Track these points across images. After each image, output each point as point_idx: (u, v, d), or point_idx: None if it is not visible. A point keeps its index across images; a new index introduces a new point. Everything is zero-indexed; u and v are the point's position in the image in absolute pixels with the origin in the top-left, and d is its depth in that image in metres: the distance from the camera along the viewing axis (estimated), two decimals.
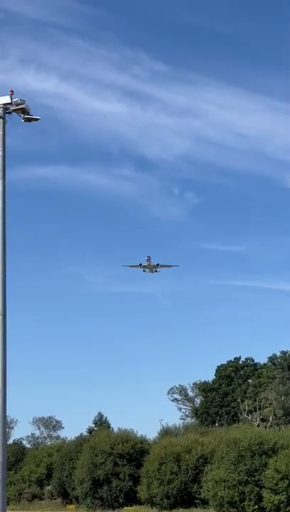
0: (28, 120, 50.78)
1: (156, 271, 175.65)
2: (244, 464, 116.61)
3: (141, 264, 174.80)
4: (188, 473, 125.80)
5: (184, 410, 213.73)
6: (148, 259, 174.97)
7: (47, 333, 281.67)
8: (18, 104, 50.51)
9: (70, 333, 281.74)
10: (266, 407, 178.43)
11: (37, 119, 50.70)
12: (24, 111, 50.44)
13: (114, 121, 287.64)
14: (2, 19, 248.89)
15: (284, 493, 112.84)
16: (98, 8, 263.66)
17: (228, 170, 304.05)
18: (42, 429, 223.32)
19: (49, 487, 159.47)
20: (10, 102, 50.61)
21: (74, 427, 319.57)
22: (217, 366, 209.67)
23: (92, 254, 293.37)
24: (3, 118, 50.44)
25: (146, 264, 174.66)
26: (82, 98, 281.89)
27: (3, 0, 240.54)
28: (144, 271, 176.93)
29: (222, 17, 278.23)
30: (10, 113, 50.92)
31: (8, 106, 50.60)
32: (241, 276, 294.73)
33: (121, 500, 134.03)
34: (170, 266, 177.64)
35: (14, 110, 50.49)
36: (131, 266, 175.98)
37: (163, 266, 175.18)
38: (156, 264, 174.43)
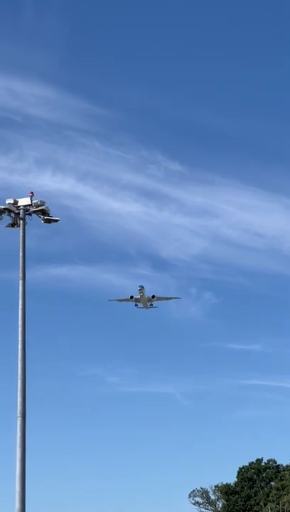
0: (48, 221, 51.28)
1: (151, 305, 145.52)
2: None
3: (132, 297, 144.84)
4: None
5: None
6: (141, 290, 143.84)
7: (65, 435, 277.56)
8: (38, 206, 51.11)
9: (88, 435, 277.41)
10: (289, 511, 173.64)
11: (56, 221, 51.14)
12: (44, 212, 51.03)
13: (131, 220, 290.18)
14: (20, 122, 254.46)
15: None
16: (114, 111, 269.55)
17: (245, 269, 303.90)
18: None
19: None
20: (30, 203, 51.20)
21: None
22: (239, 468, 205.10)
23: (111, 354, 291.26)
24: (24, 219, 50.97)
25: (138, 297, 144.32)
26: (98, 198, 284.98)
27: (20, 104, 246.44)
28: (136, 305, 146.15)
29: (238, 118, 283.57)
30: (30, 214, 51.44)
31: (28, 207, 51.19)
32: (261, 376, 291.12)
33: None
34: (169, 298, 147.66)
35: (34, 212, 51.04)
36: (120, 300, 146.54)
37: (160, 298, 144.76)
38: (151, 296, 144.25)
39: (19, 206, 51.05)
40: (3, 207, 51.61)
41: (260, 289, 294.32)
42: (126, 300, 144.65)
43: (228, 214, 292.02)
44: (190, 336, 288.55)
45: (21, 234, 50.96)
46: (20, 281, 49.59)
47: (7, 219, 52.38)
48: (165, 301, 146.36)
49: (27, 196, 51.56)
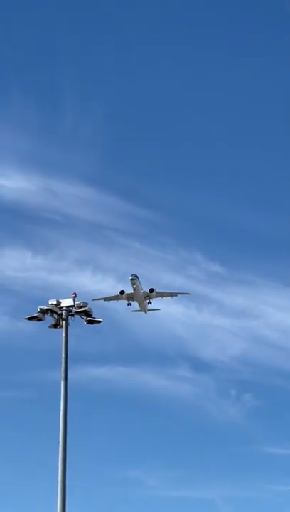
0: (91, 322, 51.51)
1: (149, 303, 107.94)
2: None
3: (123, 292, 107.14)
4: None
5: None
6: (134, 280, 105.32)
7: None
8: (80, 307, 51.46)
9: None
10: None
11: (99, 322, 51.37)
12: (87, 313, 51.31)
13: (170, 321, 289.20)
14: (60, 222, 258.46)
15: None
16: (154, 211, 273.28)
17: (285, 371, 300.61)
18: None
19: None
20: (73, 304, 51.60)
21: None
22: None
23: (150, 457, 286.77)
24: (66, 320, 51.27)
25: (130, 292, 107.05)
26: None
27: (60, 204, 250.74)
28: (130, 304, 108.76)
29: (278, 219, 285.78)
30: (73, 315, 51.78)
31: (71, 308, 51.55)
32: None
33: None
34: (174, 294, 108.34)
35: (77, 312, 51.38)
36: (107, 299, 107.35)
37: (162, 294, 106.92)
38: (148, 290, 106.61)
39: (62, 307, 51.45)
40: (46, 307, 52.08)
41: None
42: (116, 298, 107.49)
43: (267, 315, 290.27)
44: (230, 439, 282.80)
45: (64, 335, 51.21)
46: (62, 382, 49.51)
47: (49, 319, 52.80)
48: (170, 297, 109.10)
49: (66, 295, 52.08)
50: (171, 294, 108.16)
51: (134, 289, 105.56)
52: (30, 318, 52.10)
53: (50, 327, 52.26)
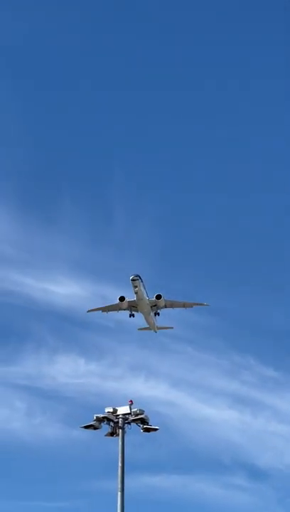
0: (147, 430, 50.60)
1: (157, 314, 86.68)
2: None
3: (123, 299, 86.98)
4: None
5: None
6: (136, 281, 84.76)
7: None
8: (137, 414, 50.68)
9: None
10: None
11: (156, 430, 50.44)
12: (143, 421, 50.45)
13: (225, 428, 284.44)
14: (112, 328, 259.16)
15: None
16: (206, 316, 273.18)
17: None
18: None
19: None
20: (129, 412, 50.89)
21: None
22: None
23: None
24: (123, 428, 50.45)
25: (133, 300, 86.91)
26: (192, 405, 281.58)
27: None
28: (132, 316, 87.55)
29: None
30: (129, 423, 50.99)
31: (127, 416, 50.83)
32: None
33: None
34: (188, 304, 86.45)
35: (133, 420, 50.59)
36: (104, 309, 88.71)
37: (173, 304, 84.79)
38: (155, 296, 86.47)
39: (118, 415, 50.66)
40: (102, 415, 51.40)
41: None
42: (115, 308, 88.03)
43: None
44: None
45: (120, 444, 50.23)
46: (119, 493, 47.89)
47: (105, 427, 52.02)
48: (183, 308, 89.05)
49: (120, 402, 51.40)
50: (184, 304, 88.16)
51: (136, 293, 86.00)
52: (86, 427, 51.39)
53: (106, 435, 51.42)
